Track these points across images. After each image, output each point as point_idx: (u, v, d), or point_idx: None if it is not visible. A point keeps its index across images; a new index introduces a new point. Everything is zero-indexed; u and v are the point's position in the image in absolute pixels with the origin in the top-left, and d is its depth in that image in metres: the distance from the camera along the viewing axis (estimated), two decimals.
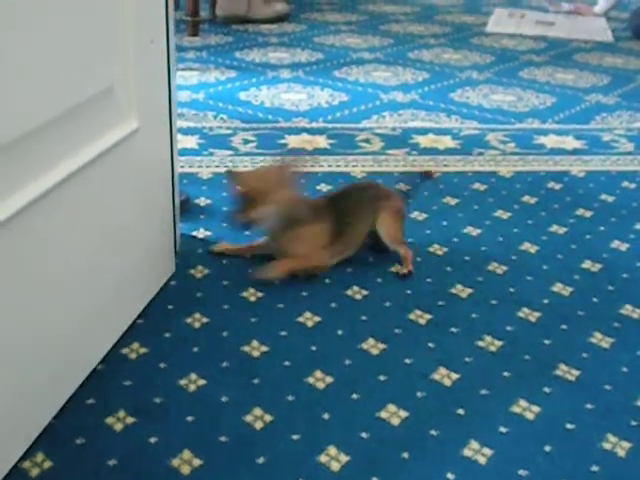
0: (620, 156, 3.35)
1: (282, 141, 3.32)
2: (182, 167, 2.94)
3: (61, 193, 1.60)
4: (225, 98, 3.87)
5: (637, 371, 1.99)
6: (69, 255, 1.69)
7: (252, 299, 2.19)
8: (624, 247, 2.58)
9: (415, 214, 2.70)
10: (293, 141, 3.32)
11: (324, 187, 2.87)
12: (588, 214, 2.79)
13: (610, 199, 2.93)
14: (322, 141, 3.34)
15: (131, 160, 1.90)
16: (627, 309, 2.23)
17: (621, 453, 1.73)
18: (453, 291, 2.27)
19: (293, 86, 4.13)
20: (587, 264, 2.45)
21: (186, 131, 3.35)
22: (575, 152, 3.37)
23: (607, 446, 1.75)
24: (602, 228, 2.70)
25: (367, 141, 3.36)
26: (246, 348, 1.99)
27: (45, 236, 1.58)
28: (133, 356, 1.94)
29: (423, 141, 3.39)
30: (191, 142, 3.25)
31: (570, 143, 3.46)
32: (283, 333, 2.06)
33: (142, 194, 2.01)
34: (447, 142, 3.39)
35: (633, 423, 1.82)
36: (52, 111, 1.54)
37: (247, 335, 2.04)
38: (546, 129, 3.63)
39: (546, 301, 2.25)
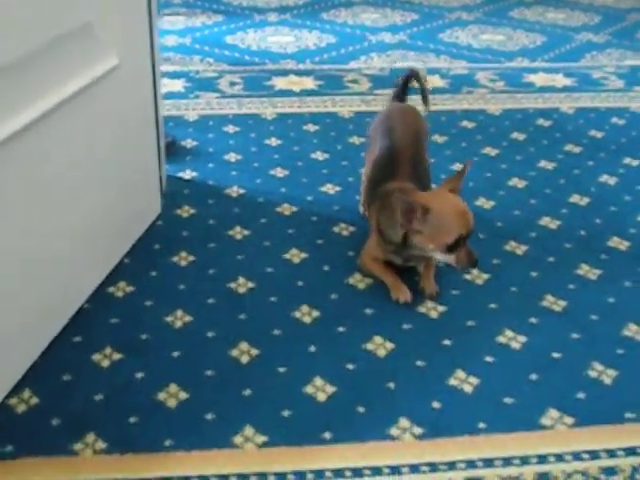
0: (610, 93, 3.32)
1: (269, 82, 3.29)
2: (168, 110, 2.92)
3: (49, 123, 1.61)
4: (212, 42, 3.83)
5: (623, 302, 1.99)
6: (58, 178, 1.69)
7: (238, 237, 2.18)
8: (612, 181, 2.57)
9: None
10: (280, 83, 3.29)
11: (311, 127, 2.85)
12: (577, 149, 2.78)
13: (599, 135, 2.91)
14: (309, 82, 3.31)
15: (114, 96, 1.88)
16: (614, 241, 2.23)
17: (607, 381, 1.74)
18: None
19: (280, 29, 4.09)
20: (575, 198, 2.45)
21: (172, 75, 3.32)
22: (565, 89, 3.34)
23: (593, 374, 1.75)
24: (591, 163, 2.69)
25: (355, 82, 3.33)
26: (232, 285, 1.99)
27: (36, 160, 1.59)
28: (119, 294, 1.94)
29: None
30: (177, 85, 3.22)
31: (560, 81, 3.43)
32: (269, 270, 2.05)
33: (126, 132, 2.00)
34: (436, 81, 3.37)
35: (619, 351, 1.82)
36: (33, 42, 1.53)
37: (233, 272, 2.03)
38: (536, 67, 3.60)
39: (533, 234, 2.25)
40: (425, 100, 2.42)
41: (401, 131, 2.17)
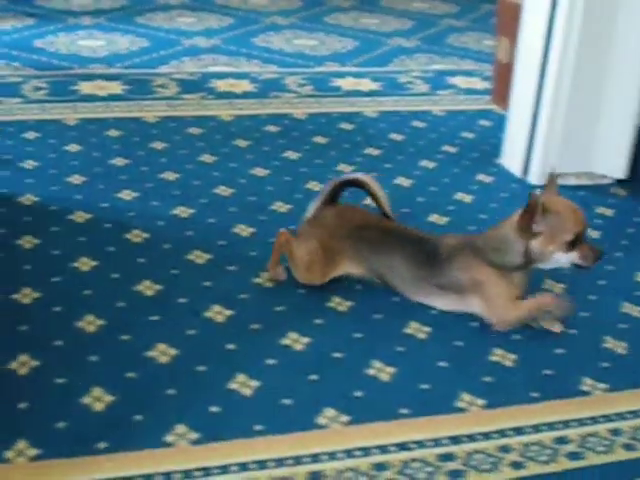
0: (414, 97, 3.42)
1: (74, 87, 3.24)
2: None
3: None
4: (19, 46, 3.74)
5: (407, 300, 2.04)
6: None
7: (27, 246, 2.14)
8: (407, 183, 2.65)
9: (205, 157, 2.69)
10: (86, 87, 3.24)
11: (114, 132, 2.83)
12: (376, 152, 2.85)
13: (399, 138, 2.99)
14: (116, 87, 3.28)
15: None
16: None
17: (385, 378, 1.79)
18: (235, 230, 2.28)
19: (94, 33, 4.03)
20: (368, 201, 2.49)
21: None
22: (371, 94, 3.42)
23: (372, 372, 1.80)
24: (388, 165, 2.76)
25: (163, 86, 3.31)
26: (15, 296, 1.94)
27: None
28: None
29: (221, 85, 3.38)
30: None
31: (366, 85, 3.51)
32: (56, 279, 2.02)
33: None
34: (244, 86, 3.39)
35: (399, 349, 1.88)
36: None
37: (18, 282, 1.99)
38: (344, 72, 3.68)
39: None
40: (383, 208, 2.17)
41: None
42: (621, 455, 1.65)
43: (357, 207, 2.20)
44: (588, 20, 2.54)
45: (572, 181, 2.75)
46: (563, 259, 1.95)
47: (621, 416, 1.76)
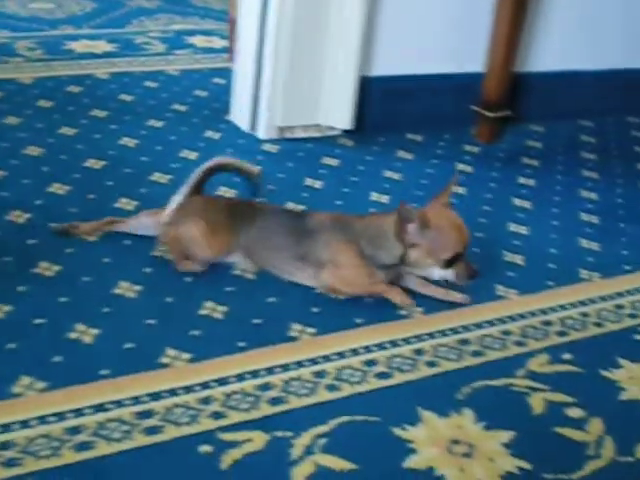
0: (149, 57, 3.35)
1: None
2: None
3: None
4: None
5: (119, 261, 1.99)
6: None
7: None
8: (132, 143, 2.60)
9: None
10: None
11: None
12: (102, 114, 2.77)
13: (129, 98, 2.92)
14: None
15: None
16: (122, 202, 2.24)
17: (88, 340, 1.74)
18: None
19: None
20: (90, 162, 2.43)
21: None
22: (104, 55, 3.32)
23: (74, 335, 1.75)
24: (114, 127, 2.69)
25: None
26: None
27: None
28: None
29: None
30: None
31: (101, 47, 3.41)
32: None
33: None
34: None
35: (105, 310, 1.84)
36: None
37: None
38: (79, 34, 3.55)
39: (39, 202, 2.20)
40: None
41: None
42: (324, 396, 1.68)
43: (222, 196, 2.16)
44: None
45: (300, 134, 2.77)
46: (436, 274, 1.95)
47: (327, 358, 1.79)
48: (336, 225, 1.98)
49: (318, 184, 2.48)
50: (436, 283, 2.01)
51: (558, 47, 3.13)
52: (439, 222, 1.90)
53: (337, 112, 2.76)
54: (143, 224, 2.07)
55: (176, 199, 2.02)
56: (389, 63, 2.85)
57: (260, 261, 2.02)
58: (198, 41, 3.61)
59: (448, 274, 1.95)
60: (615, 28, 3.20)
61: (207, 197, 2.08)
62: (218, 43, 3.60)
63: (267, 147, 2.69)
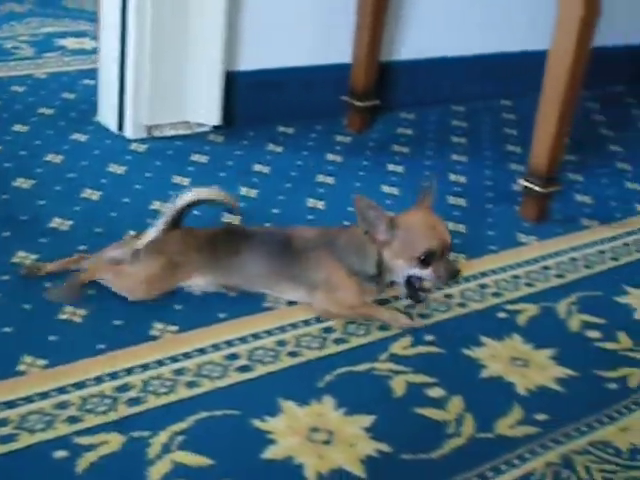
0: (17, 62, 3.29)
1: None
2: None
3: None
4: None
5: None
6: None
7: None
8: None
9: None
10: None
11: None
12: None
13: None
14: None
15: None
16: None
17: (78, 320, 1.83)
18: None
19: None
20: None
21: None
22: None
23: (64, 317, 1.83)
24: None
25: None
26: None
27: None
28: None
29: None
30: None
31: None
32: None
33: None
34: None
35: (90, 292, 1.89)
36: None
37: None
38: None
39: None
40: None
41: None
42: (183, 394, 1.67)
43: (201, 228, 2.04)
44: None
45: (169, 132, 2.76)
46: (412, 273, 1.92)
47: (188, 355, 1.78)
48: (321, 241, 1.97)
49: (186, 181, 2.46)
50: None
51: (425, 34, 3.17)
52: (407, 221, 1.90)
53: (204, 108, 2.75)
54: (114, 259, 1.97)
55: (151, 233, 1.94)
56: (256, 56, 2.85)
57: (248, 285, 1.99)
58: (69, 43, 3.57)
59: (425, 274, 1.91)
60: (479, 14, 3.25)
61: (188, 229, 2.00)
62: (89, 44, 3.56)
63: (135, 147, 2.67)
